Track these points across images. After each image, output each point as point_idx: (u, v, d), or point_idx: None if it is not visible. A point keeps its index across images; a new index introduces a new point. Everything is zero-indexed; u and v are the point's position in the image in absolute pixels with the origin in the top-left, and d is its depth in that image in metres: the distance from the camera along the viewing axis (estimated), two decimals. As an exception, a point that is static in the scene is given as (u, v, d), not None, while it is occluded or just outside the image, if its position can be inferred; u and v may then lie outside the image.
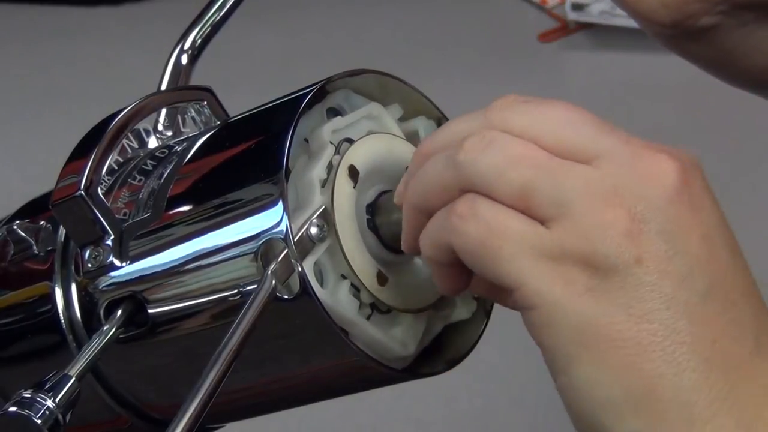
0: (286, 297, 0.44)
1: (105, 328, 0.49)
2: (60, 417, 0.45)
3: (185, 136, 0.57)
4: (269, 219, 0.45)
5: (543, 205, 0.40)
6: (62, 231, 0.53)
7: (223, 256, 0.46)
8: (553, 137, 0.41)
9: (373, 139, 0.49)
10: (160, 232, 0.49)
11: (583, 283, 0.40)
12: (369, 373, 0.47)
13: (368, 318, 0.47)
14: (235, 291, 0.46)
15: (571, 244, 0.40)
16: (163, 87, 0.60)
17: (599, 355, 0.39)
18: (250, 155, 0.48)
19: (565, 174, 0.40)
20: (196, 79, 0.61)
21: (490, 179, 0.41)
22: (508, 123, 0.42)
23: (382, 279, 0.47)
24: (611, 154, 0.41)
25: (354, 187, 0.47)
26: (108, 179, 0.53)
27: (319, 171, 0.46)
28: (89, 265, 0.50)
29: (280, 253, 0.44)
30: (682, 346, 0.39)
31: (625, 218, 0.40)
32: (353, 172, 0.47)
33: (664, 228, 0.40)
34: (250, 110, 0.51)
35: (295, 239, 0.44)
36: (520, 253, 0.40)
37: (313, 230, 0.45)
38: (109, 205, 0.50)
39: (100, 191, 0.50)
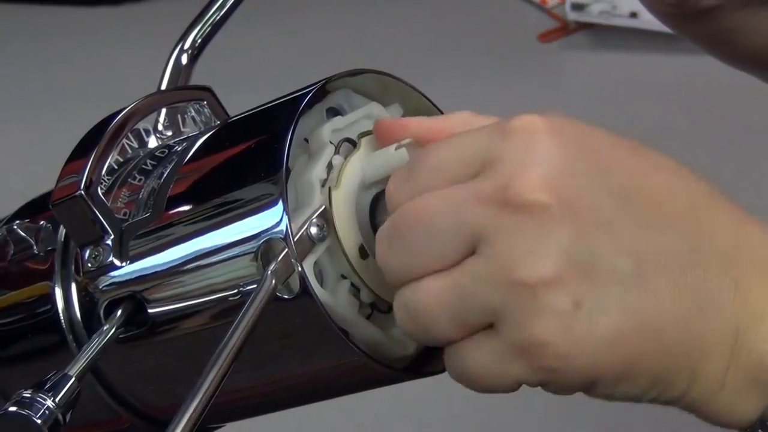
0: (286, 297, 0.44)
1: (105, 328, 0.49)
2: (60, 417, 0.45)
3: (185, 136, 0.57)
4: (269, 219, 0.45)
5: None
6: (62, 231, 0.53)
7: (223, 256, 0.46)
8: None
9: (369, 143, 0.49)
10: (160, 232, 0.49)
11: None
12: (369, 372, 0.47)
13: (368, 318, 0.47)
14: (235, 291, 0.46)
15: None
16: (163, 87, 0.60)
17: None
18: (250, 155, 0.48)
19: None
20: (196, 79, 0.61)
21: None
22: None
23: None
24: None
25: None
26: (108, 179, 0.53)
27: (318, 171, 0.46)
28: (89, 264, 0.50)
29: (280, 253, 0.44)
30: None
31: None
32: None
33: None
34: (250, 110, 0.51)
35: (295, 239, 0.44)
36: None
37: (313, 230, 0.45)
38: (109, 204, 0.50)
39: (100, 191, 0.50)
